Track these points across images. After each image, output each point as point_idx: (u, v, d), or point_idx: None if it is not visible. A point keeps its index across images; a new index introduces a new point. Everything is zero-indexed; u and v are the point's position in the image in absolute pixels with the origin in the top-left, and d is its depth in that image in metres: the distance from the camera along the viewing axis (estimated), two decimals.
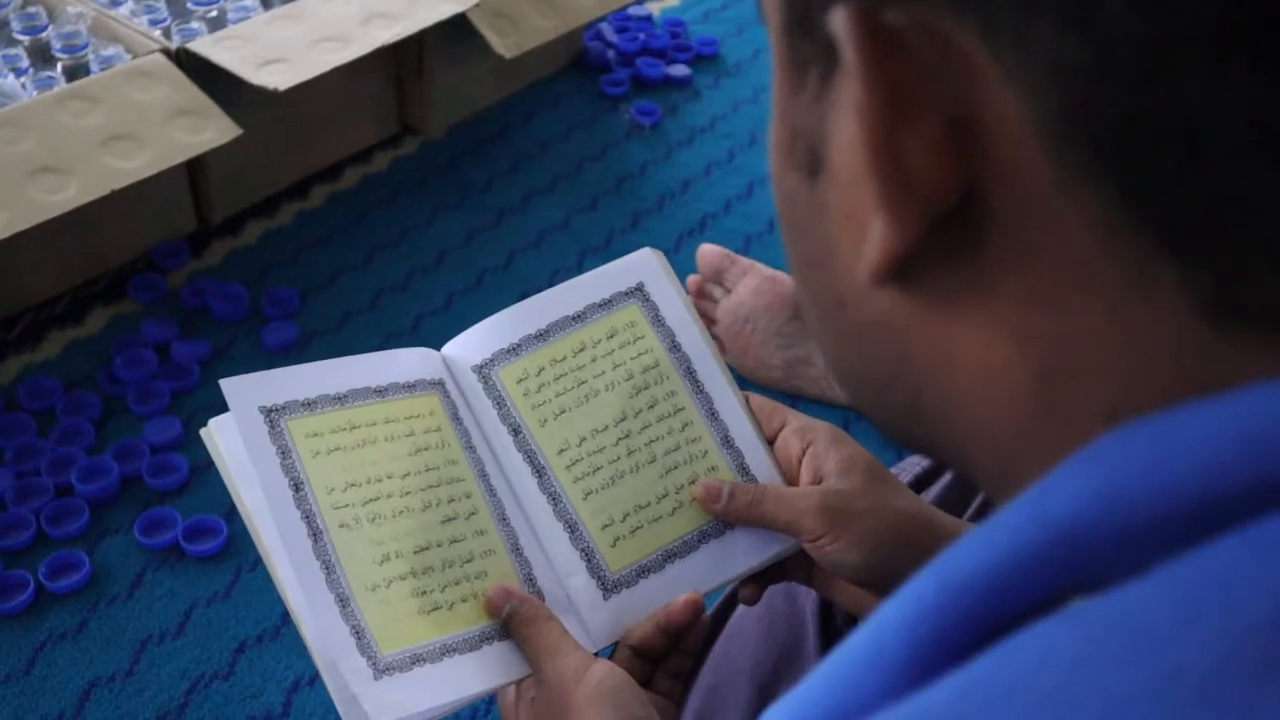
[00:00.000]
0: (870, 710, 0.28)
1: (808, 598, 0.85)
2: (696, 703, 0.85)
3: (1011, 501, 0.28)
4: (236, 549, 1.29)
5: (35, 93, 1.49)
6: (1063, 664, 0.25)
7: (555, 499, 0.72)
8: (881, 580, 0.67)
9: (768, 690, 0.84)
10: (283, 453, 0.67)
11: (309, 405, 0.70)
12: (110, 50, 1.56)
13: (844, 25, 0.28)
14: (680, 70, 2.04)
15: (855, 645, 0.30)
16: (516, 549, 0.71)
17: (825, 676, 0.30)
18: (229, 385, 0.69)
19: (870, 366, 0.35)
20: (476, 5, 1.65)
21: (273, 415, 0.68)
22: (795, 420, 0.74)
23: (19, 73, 1.54)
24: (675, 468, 0.73)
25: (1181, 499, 0.26)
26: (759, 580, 0.74)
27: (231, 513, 1.28)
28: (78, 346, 1.51)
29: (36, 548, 1.28)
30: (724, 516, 0.72)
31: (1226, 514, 0.26)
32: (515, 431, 0.73)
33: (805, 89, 0.31)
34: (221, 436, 0.68)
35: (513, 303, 0.77)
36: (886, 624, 0.29)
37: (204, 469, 1.34)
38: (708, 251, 1.48)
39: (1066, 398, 0.29)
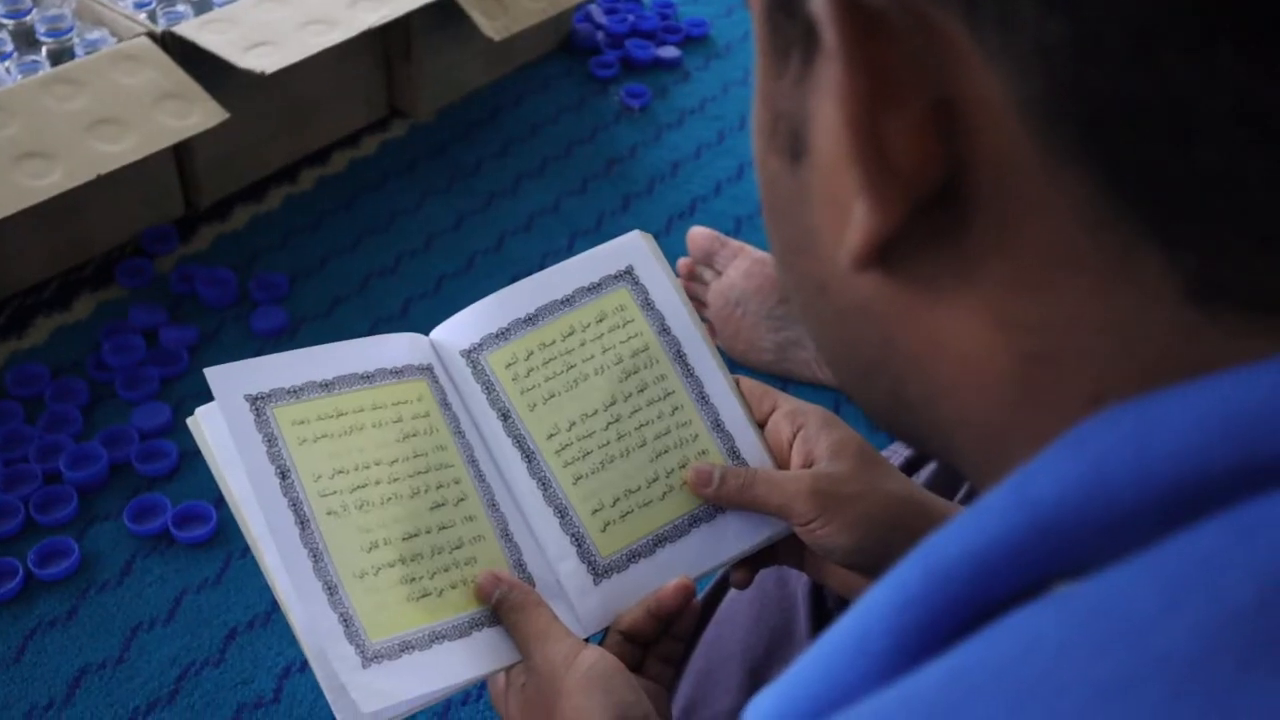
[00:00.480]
0: (856, 696, 0.28)
1: (799, 581, 0.85)
2: (688, 687, 0.85)
3: (996, 486, 0.28)
4: (227, 535, 1.29)
5: (20, 77, 1.48)
6: (1047, 650, 0.25)
7: (545, 484, 0.71)
8: (873, 564, 0.67)
9: (759, 674, 0.84)
10: (269, 440, 0.67)
11: (295, 393, 0.69)
12: (95, 34, 1.55)
13: (824, 6, 0.27)
14: (670, 52, 2.03)
15: (841, 631, 0.30)
16: (506, 534, 0.70)
17: (811, 662, 0.30)
18: (213, 374, 0.68)
19: (854, 352, 0.35)
20: None
21: (258, 403, 0.68)
22: (786, 404, 0.74)
23: (3, 57, 1.53)
24: (665, 452, 0.73)
25: (1166, 482, 0.26)
26: (750, 564, 0.74)
27: (222, 499, 1.27)
28: (65, 333, 1.51)
29: (25, 535, 1.27)
30: (715, 500, 0.72)
31: (1211, 497, 0.25)
32: (504, 416, 0.73)
33: (787, 72, 0.31)
34: (208, 425, 0.68)
35: (502, 286, 0.76)
36: (872, 610, 0.29)
37: (193, 455, 1.34)
38: (698, 234, 1.48)
39: (1051, 383, 0.29)
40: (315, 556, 0.65)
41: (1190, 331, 0.27)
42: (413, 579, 0.67)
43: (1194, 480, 0.26)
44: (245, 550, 1.26)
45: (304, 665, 1.18)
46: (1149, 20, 0.24)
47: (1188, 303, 0.27)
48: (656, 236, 0.80)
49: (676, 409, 0.74)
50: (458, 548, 0.69)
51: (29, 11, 1.57)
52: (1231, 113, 0.25)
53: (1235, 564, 0.24)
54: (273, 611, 1.23)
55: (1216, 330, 0.27)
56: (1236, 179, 0.25)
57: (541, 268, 0.79)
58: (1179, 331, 0.27)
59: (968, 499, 0.80)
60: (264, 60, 1.47)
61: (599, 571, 0.70)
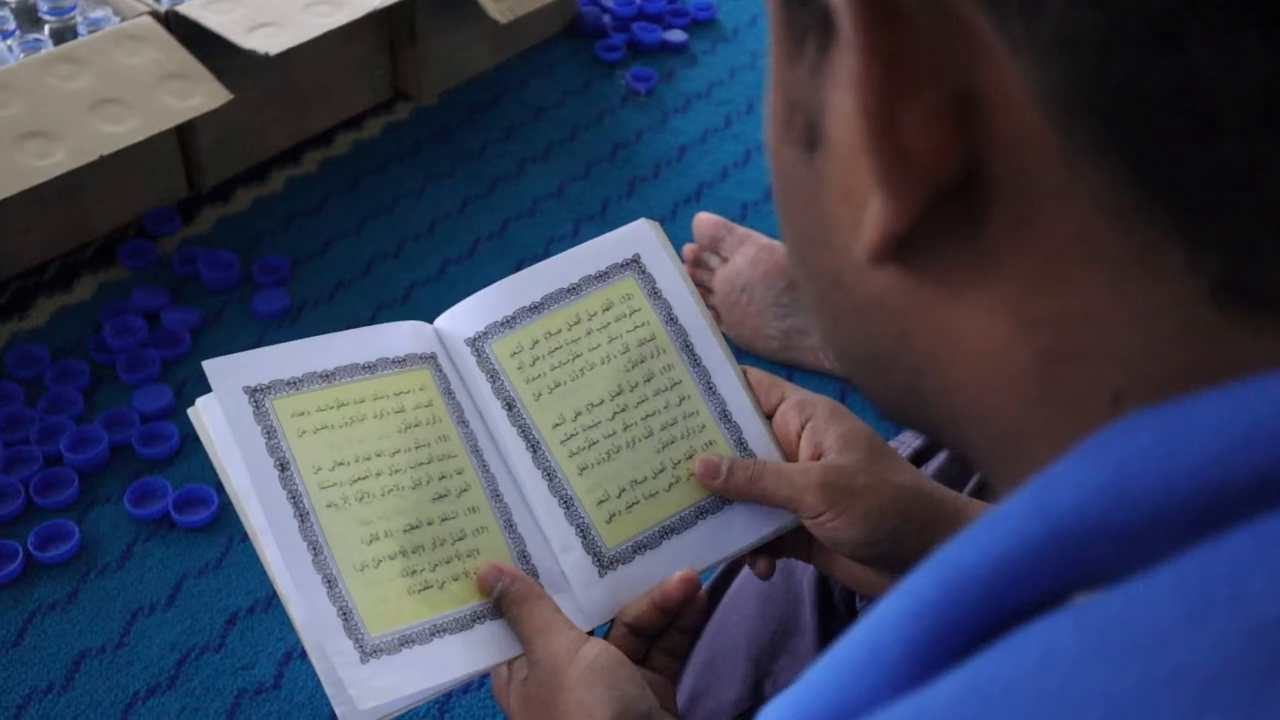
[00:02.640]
0: (869, 709, 0.28)
1: (804, 572, 0.84)
2: (692, 678, 0.84)
3: (1013, 493, 0.28)
4: (228, 519, 1.28)
5: (22, 56, 1.47)
6: (1065, 663, 0.24)
7: (550, 474, 0.71)
8: (882, 557, 0.66)
9: (764, 665, 0.84)
10: (268, 433, 0.66)
11: (295, 384, 0.68)
12: (98, 13, 1.54)
13: None
14: (677, 36, 2.02)
15: (854, 640, 0.29)
16: (510, 526, 0.70)
17: (823, 672, 0.30)
18: (212, 366, 0.68)
19: (869, 346, 0.34)
20: None
21: (257, 395, 0.67)
22: (794, 394, 0.73)
23: (5, 35, 1.52)
24: (672, 442, 0.72)
25: (1189, 492, 0.25)
26: (768, 552, 0.73)
27: (222, 483, 1.27)
28: (66, 314, 1.50)
29: (25, 517, 1.27)
30: (723, 492, 0.71)
31: (1235, 508, 0.25)
32: (509, 406, 0.72)
33: (802, 60, 0.30)
34: (209, 416, 0.67)
35: (507, 272, 0.76)
36: (885, 619, 0.29)
37: (195, 438, 1.33)
38: (704, 220, 1.47)
39: (1069, 381, 0.29)
40: (315, 549, 0.64)
41: (1212, 332, 0.26)
42: (414, 571, 0.66)
43: (1218, 490, 0.25)
44: (246, 535, 1.25)
45: (305, 652, 1.17)
46: (1175, 10, 0.23)
47: (1210, 301, 0.26)
48: (662, 222, 0.79)
49: (683, 399, 0.73)
50: (460, 539, 0.68)
51: None
52: (1257, 104, 0.24)
53: (1260, 576, 0.24)
54: (274, 597, 1.22)
55: (1239, 331, 0.26)
56: (1261, 173, 0.25)
57: (546, 253, 0.78)
58: (1201, 331, 0.27)
59: (978, 490, 0.79)
60: (268, 41, 1.46)
61: (604, 563, 0.70)
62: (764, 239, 1.44)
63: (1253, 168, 0.25)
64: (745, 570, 0.88)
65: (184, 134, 1.59)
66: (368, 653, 0.62)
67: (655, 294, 0.75)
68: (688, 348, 0.74)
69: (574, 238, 1.61)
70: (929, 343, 0.31)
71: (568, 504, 0.70)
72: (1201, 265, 0.26)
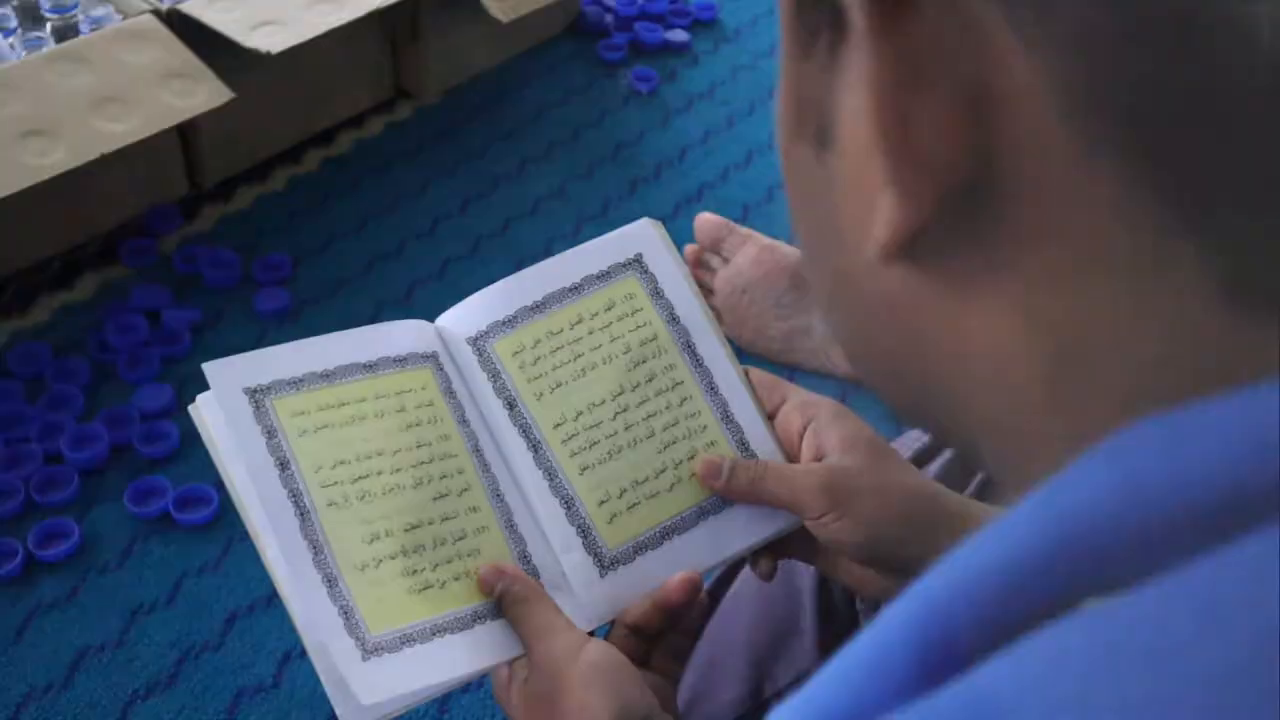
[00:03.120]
0: (875, 716, 0.27)
1: (805, 574, 0.84)
2: (692, 678, 0.84)
3: (1024, 498, 0.27)
4: (228, 518, 1.28)
5: (24, 53, 1.47)
6: (1076, 670, 0.24)
7: (551, 474, 0.70)
8: (886, 558, 0.66)
9: (764, 667, 0.84)
10: (268, 433, 0.66)
11: (295, 384, 0.68)
12: (100, 10, 1.54)
13: None
14: (679, 36, 2.02)
15: (860, 647, 0.29)
16: (511, 525, 0.69)
17: (829, 679, 0.29)
18: (212, 368, 0.67)
19: (880, 345, 0.34)
20: None
21: (257, 395, 0.67)
22: (796, 396, 0.73)
23: (7, 33, 1.51)
24: (674, 443, 0.72)
25: (1204, 497, 0.25)
26: (770, 553, 0.73)
27: (223, 482, 1.27)
28: (67, 312, 1.50)
29: (25, 516, 1.27)
30: (725, 493, 0.71)
31: (1251, 513, 0.24)
32: (510, 405, 0.72)
33: (814, 57, 0.30)
34: (209, 414, 0.67)
35: (508, 271, 0.75)
36: (892, 625, 0.28)
37: (195, 437, 1.31)
38: (706, 221, 1.46)
39: (1079, 384, 0.28)
40: (315, 549, 0.64)
41: (1224, 334, 0.26)
42: (415, 570, 0.66)
43: (1233, 495, 0.25)
44: (246, 534, 1.25)
45: (305, 651, 1.17)
46: (1195, 5, 0.23)
47: (1225, 304, 0.26)
48: (664, 222, 0.79)
49: (685, 399, 0.73)
50: (461, 539, 0.68)
51: None
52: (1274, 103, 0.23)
53: (1275, 583, 0.23)
54: (274, 596, 1.22)
55: (1255, 333, 0.26)
56: (1276, 172, 0.24)
57: (547, 253, 0.78)
58: (1213, 333, 0.26)
59: (980, 492, 0.79)
60: (270, 40, 1.46)
61: (605, 563, 0.69)
62: (766, 240, 1.44)
63: (1273, 166, 0.24)
64: (746, 571, 0.87)
65: (185, 132, 1.59)
66: (368, 651, 0.62)
67: (657, 294, 0.75)
68: (690, 348, 0.74)
69: (575, 237, 1.61)
70: (940, 343, 0.31)
71: (569, 504, 0.70)
72: (1217, 266, 0.26)
